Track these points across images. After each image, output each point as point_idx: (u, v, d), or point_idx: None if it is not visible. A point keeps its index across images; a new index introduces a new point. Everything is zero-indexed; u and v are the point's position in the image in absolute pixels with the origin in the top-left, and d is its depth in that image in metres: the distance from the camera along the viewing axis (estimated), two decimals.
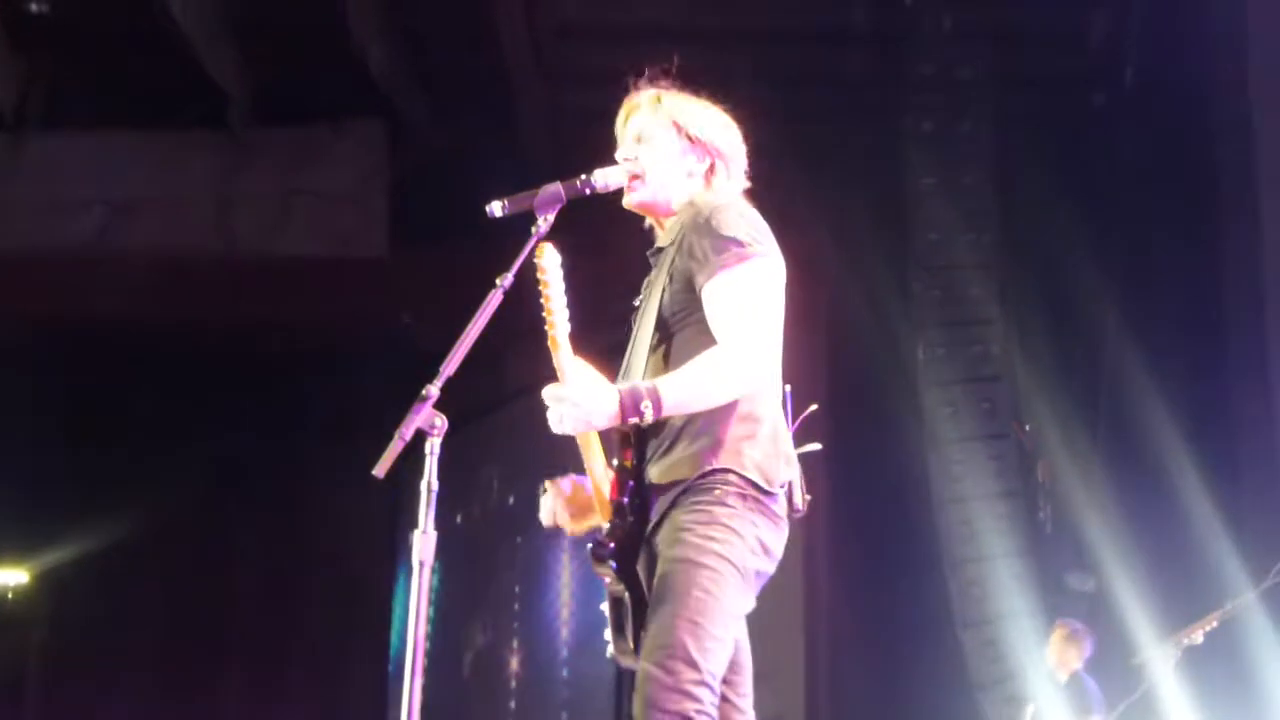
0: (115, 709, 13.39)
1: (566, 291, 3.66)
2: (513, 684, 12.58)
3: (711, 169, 4.16)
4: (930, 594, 10.32)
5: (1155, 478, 9.23)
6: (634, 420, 3.74)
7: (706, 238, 3.90)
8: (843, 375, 10.56)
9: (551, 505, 4.16)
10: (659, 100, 4.21)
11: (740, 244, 3.87)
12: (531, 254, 3.74)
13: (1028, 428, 10.51)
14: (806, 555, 10.55)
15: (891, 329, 10.46)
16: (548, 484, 4.18)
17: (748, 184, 4.22)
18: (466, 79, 11.55)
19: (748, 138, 4.25)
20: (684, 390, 3.77)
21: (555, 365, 3.76)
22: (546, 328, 3.69)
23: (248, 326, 12.72)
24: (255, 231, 12.41)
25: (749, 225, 3.94)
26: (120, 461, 13.25)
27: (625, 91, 4.28)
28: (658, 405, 3.72)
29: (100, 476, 13.18)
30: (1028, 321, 10.49)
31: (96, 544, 13.31)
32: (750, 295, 3.85)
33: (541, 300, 3.69)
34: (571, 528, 4.15)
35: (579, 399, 3.72)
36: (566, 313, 3.70)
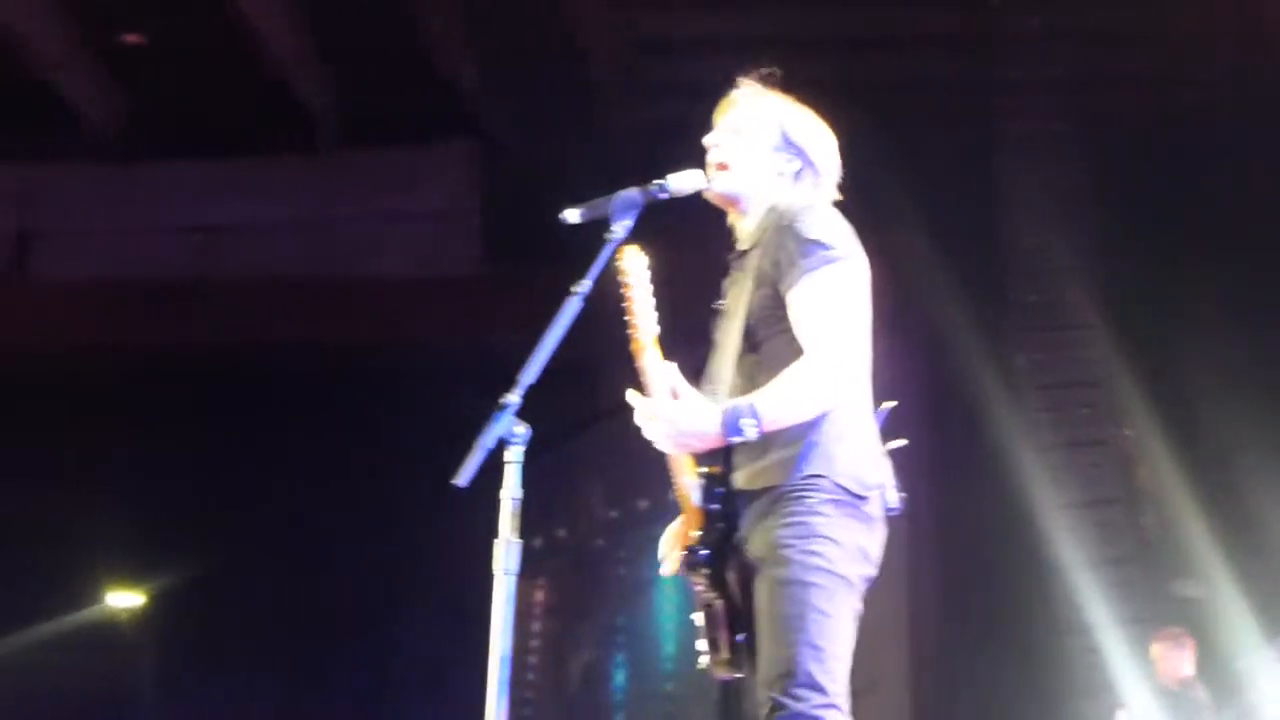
0: None
1: (653, 294, 3.65)
2: (617, 696, 12.58)
3: (801, 175, 4.11)
4: (1034, 601, 10.21)
5: (1258, 480, 9.11)
6: (736, 439, 3.70)
7: (791, 241, 3.85)
8: (941, 381, 10.49)
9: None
10: (767, 98, 4.17)
11: (825, 246, 3.82)
12: (610, 260, 3.73)
13: (1129, 432, 10.38)
14: (911, 561, 10.49)
15: (989, 334, 10.36)
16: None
17: (839, 197, 4.16)
18: (555, 95, 11.57)
19: (839, 145, 4.21)
20: (780, 406, 3.72)
21: (639, 369, 3.75)
22: (630, 330, 3.67)
23: (342, 348, 12.79)
24: (349, 253, 12.51)
25: (833, 228, 3.89)
26: (228, 484, 13.35)
27: (713, 104, 4.25)
28: (758, 423, 3.68)
29: (210, 499, 13.30)
30: (1127, 324, 10.37)
31: (204, 567, 13.43)
32: (836, 301, 3.80)
33: (624, 304, 3.67)
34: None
35: (676, 419, 3.71)
36: (653, 315, 3.68)
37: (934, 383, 10.54)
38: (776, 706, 3.64)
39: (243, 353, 12.62)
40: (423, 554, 13.15)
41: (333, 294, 12.41)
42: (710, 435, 3.70)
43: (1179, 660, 8.91)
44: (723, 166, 4.07)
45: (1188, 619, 9.47)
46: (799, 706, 3.62)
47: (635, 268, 3.66)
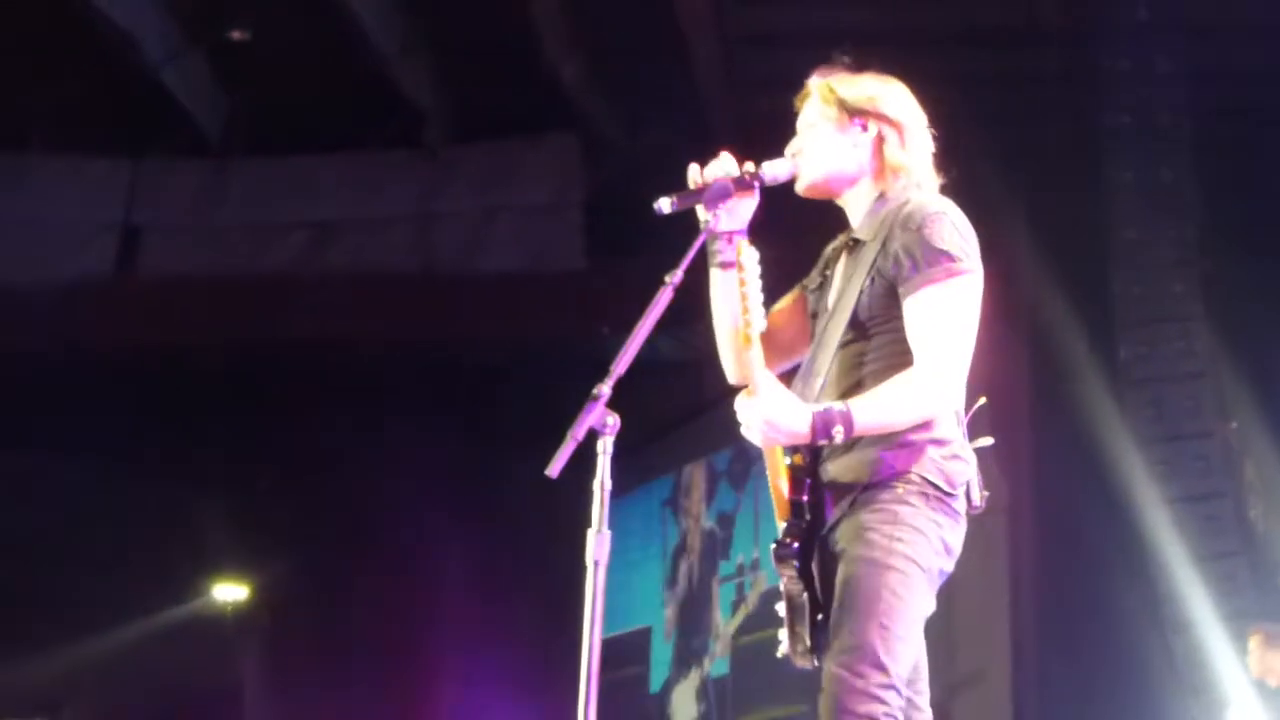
0: None
1: (762, 290, 3.66)
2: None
3: (881, 138, 4.07)
4: (1140, 596, 10.12)
5: None
6: (824, 442, 3.73)
7: (918, 245, 3.82)
8: (1044, 374, 10.42)
9: None
10: (822, 81, 4.15)
11: (952, 258, 3.80)
12: (702, 250, 3.74)
13: (1235, 425, 10.26)
14: (1012, 555, 10.43)
15: (1093, 327, 10.27)
16: None
17: (932, 149, 4.13)
18: (658, 89, 11.59)
19: (940, 139, 4.17)
20: (877, 415, 3.74)
21: (742, 362, 3.75)
22: (741, 325, 3.68)
23: (448, 342, 12.87)
24: (454, 248, 12.60)
25: (961, 238, 3.86)
26: (335, 478, 13.49)
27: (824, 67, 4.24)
28: (849, 429, 3.70)
29: (316, 493, 13.44)
30: (1232, 316, 10.24)
31: (309, 559, 13.57)
32: (953, 314, 3.79)
33: (739, 298, 3.68)
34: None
35: (771, 415, 3.72)
36: (762, 311, 3.69)
37: (1037, 376, 10.47)
38: (837, 679, 3.66)
39: (348, 348, 12.73)
40: (526, 547, 13.22)
41: (437, 289, 12.50)
42: (800, 435, 3.72)
43: (1273, 655, 8.83)
44: (801, 164, 4.07)
45: None
46: (860, 684, 3.64)
47: (749, 262, 3.67)
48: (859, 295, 3.91)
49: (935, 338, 3.77)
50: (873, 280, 3.89)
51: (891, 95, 4.09)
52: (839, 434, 3.68)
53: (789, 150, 4.11)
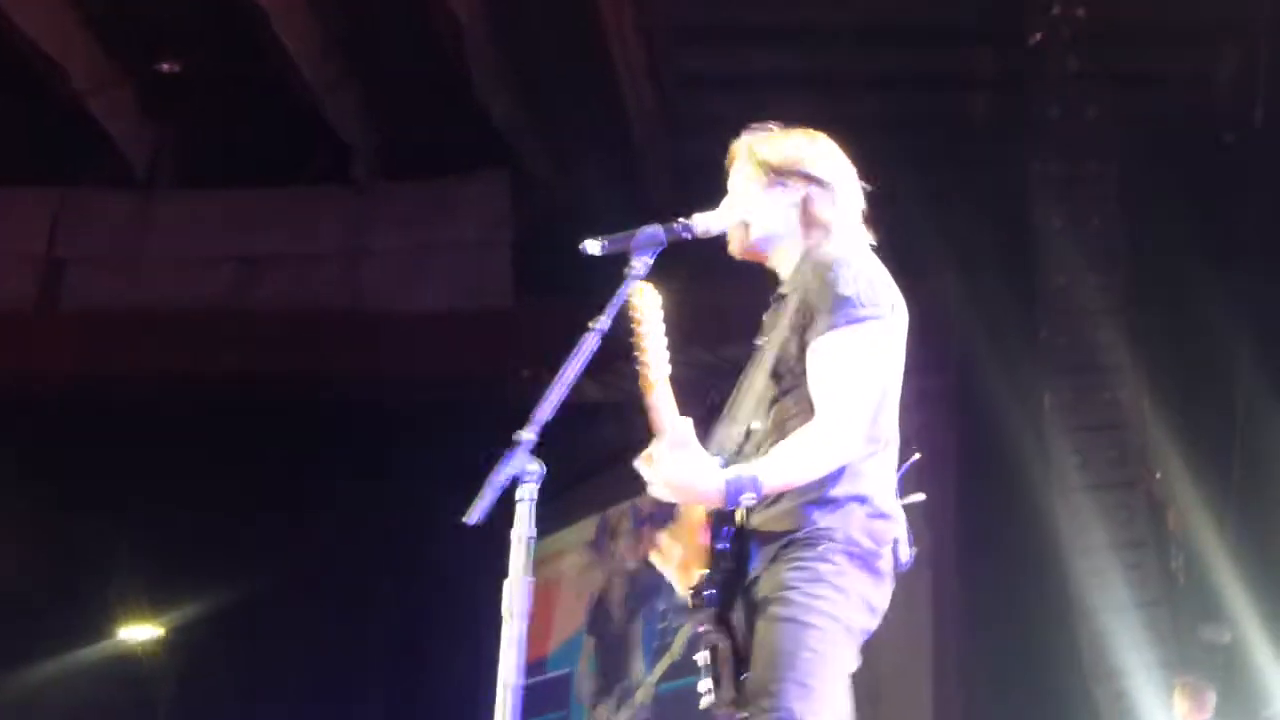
0: None
1: (666, 334, 3.62)
2: None
3: (807, 198, 4.06)
4: (1062, 645, 10.13)
5: None
6: (733, 509, 3.72)
7: (823, 293, 3.81)
8: (970, 421, 10.44)
9: (677, 556, 4.09)
10: (745, 144, 4.14)
11: (853, 304, 3.78)
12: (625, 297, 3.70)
13: (1158, 475, 10.30)
14: (935, 608, 10.42)
15: (1019, 374, 10.30)
16: (667, 538, 4.12)
17: (863, 209, 4.11)
18: (590, 129, 11.58)
19: (873, 181, 4.16)
20: (783, 475, 3.71)
21: (648, 407, 3.71)
22: (640, 368, 3.64)
23: (376, 380, 12.78)
24: (383, 285, 12.52)
25: (866, 283, 3.84)
26: (249, 516, 13.34)
27: (748, 131, 4.22)
28: (759, 494, 3.68)
29: (230, 531, 13.28)
30: (1158, 367, 10.30)
31: (226, 599, 13.40)
32: (853, 361, 3.76)
33: (635, 340, 3.64)
34: (680, 579, 4.08)
35: (678, 481, 3.71)
36: (665, 355, 3.64)
37: (962, 424, 10.49)
38: None
39: (272, 386, 12.61)
40: (447, 592, 13.13)
41: (366, 326, 12.42)
42: (709, 498, 3.70)
43: (1197, 708, 8.85)
44: (729, 230, 4.06)
45: (1215, 664, 9.39)
46: None
47: (647, 305, 3.63)
48: (780, 345, 3.89)
49: (834, 387, 3.74)
50: (790, 331, 3.88)
51: (816, 153, 4.08)
52: (749, 500, 3.67)
53: (722, 209, 4.09)
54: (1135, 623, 9.82)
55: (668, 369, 3.69)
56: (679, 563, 4.03)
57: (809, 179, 4.04)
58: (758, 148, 4.09)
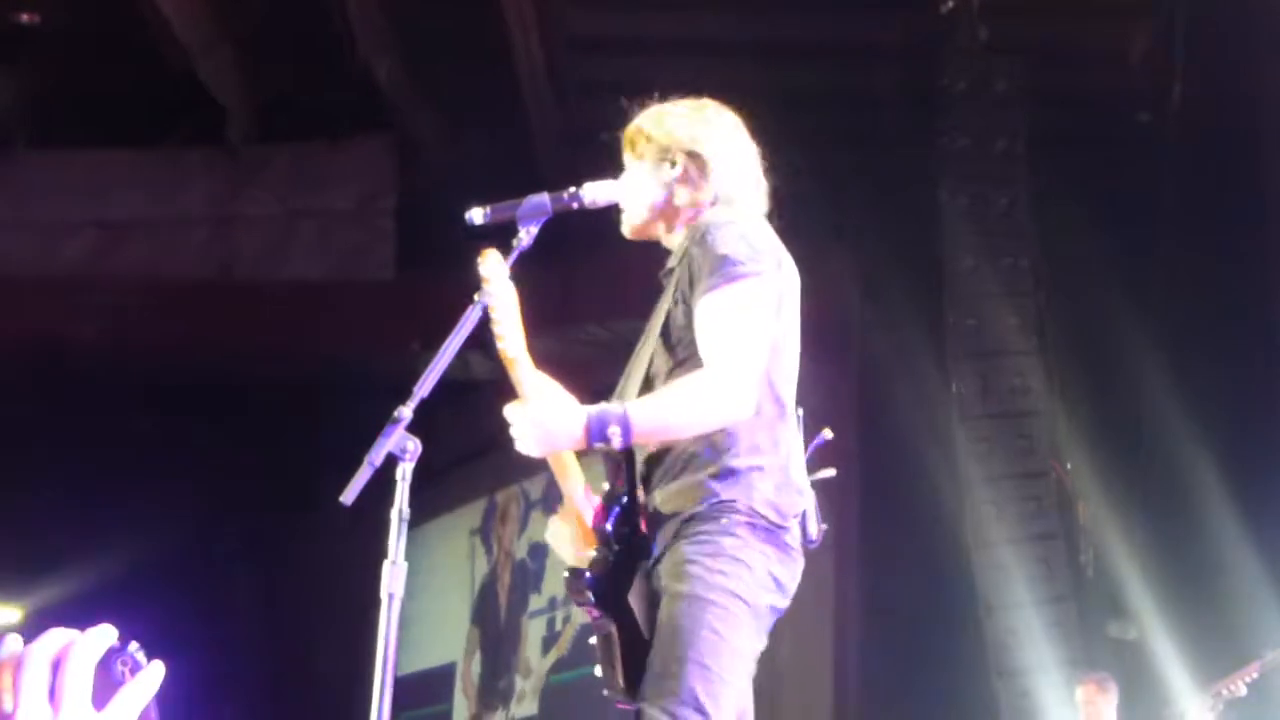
0: None
1: (531, 305, 3.63)
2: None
3: (695, 176, 4.10)
4: (967, 639, 10.22)
5: (1198, 523, 9.17)
6: (600, 445, 3.69)
7: (702, 255, 3.86)
8: (873, 407, 10.50)
9: (567, 536, 4.10)
10: (645, 117, 4.18)
11: (733, 262, 3.82)
12: (512, 268, 3.71)
13: (1068, 466, 10.40)
14: (838, 594, 10.49)
15: (925, 358, 10.37)
16: (556, 518, 4.13)
17: (764, 203, 4.16)
18: (477, 94, 11.53)
19: (772, 155, 4.21)
20: (659, 416, 3.72)
21: (513, 382, 3.72)
22: (497, 341, 3.65)
23: (246, 352, 12.67)
24: (255, 253, 12.41)
25: (747, 243, 3.88)
26: (113, 494, 13.22)
27: (640, 108, 4.25)
28: (627, 431, 3.66)
29: (92, 509, 13.16)
30: (1068, 352, 10.39)
31: (86, 581, 13.28)
32: (738, 317, 3.79)
33: (487, 310, 3.64)
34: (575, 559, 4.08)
35: (541, 419, 3.67)
36: (517, 323, 3.65)
37: (865, 409, 10.55)
38: None
39: (137, 357, 12.48)
40: (322, 574, 13.08)
41: (236, 296, 12.31)
42: (574, 435, 3.68)
43: (1103, 705, 8.96)
44: (621, 210, 4.12)
45: (1122, 661, 9.51)
46: None
47: (495, 273, 3.63)
48: (665, 318, 3.93)
49: (720, 341, 3.77)
50: (675, 301, 3.92)
51: (705, 128, 4.12)
52: (615, 435, 3.65)
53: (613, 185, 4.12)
54: (1042, 618, 9.91)
55: (521, 339, 3.70)
56: (572, 544, 4.04)
57: (694, 156, 4.09)
58: (645, 125, 4.13)
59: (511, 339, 3.68)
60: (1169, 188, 10.38)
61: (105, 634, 1.65)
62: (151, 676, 1.65)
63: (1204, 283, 10.09)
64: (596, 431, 3.65)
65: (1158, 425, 9.93)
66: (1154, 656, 9.20)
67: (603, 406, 3.71)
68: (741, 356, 3.76)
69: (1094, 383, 10.33)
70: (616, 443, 3.67)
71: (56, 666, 1.61)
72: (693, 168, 4.09)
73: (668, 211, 4.10)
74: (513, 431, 3.70)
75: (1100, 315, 10.14)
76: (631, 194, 4.09)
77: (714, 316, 3.79)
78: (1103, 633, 10.11)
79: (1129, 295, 9.98)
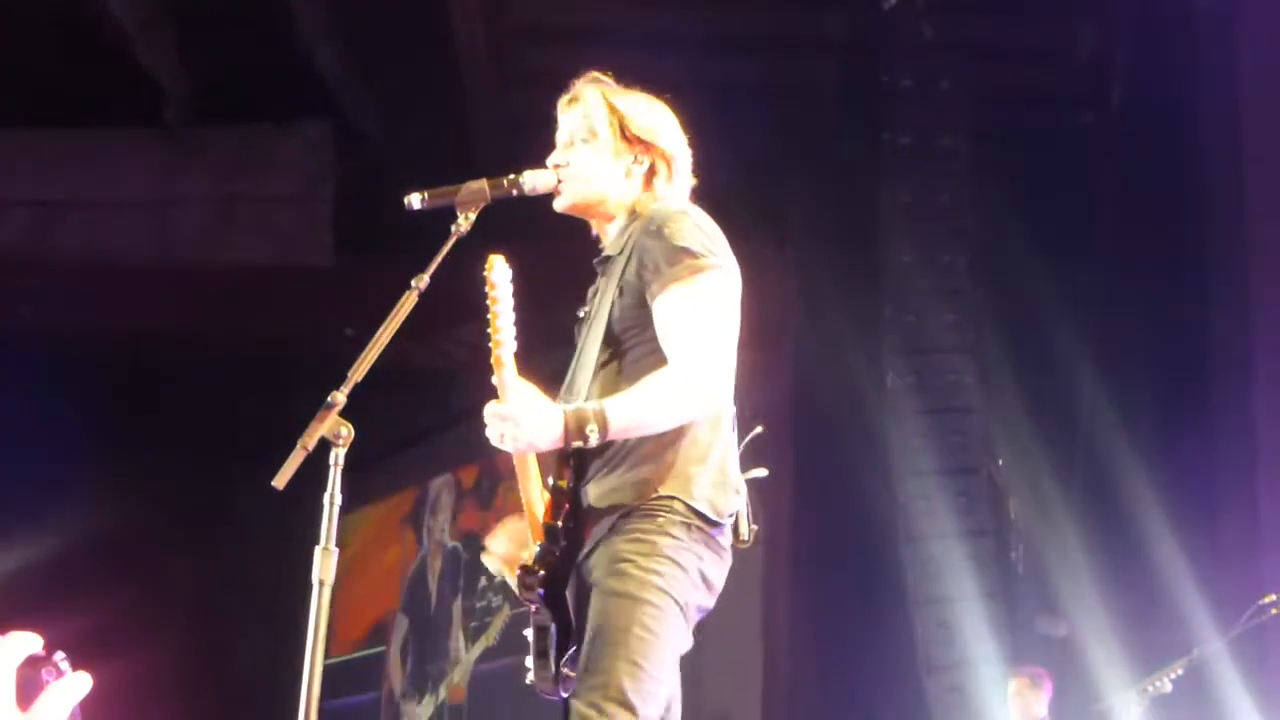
0: None
1: (516, 308, 3.64)
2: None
3: (653, 170, 4.12)
4: (897, 635, 10.27)
5: (1128, 521, 9.24)
6: (578, 444, 3.70)
7: (658, 248, 3.86)
8: (806, 402, 10.53)
9: (501, 556, 4.11)
10: (598, 96, 4.17)
11: (694, 254, 3.84)
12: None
13: (1001, 463, 10.46)
14: (766, 591, 10.51)
15: (860, 353, 10.40)
16: (487, 542, 4.15)
17: (693, 182, 4.18)
18: (418, 80, 11.51)
19: (698, 143, 4.23)
20: (634, 413, 3.73)
21: (497, 384, 3.73)
22: (491, 345, 3.66)
23: (182, 336, 12.62)
24: (192, 236, 12.34)
25: (704, 235, 3.90)
26: (44, 476, 13.12)
27: (589, 80, 4.25)
28: (604, 429, 3.69)
29: (22, 492, 13.06)
30: (1001, 352, 10.44)
31: (14, 564, 13.19)
32: (704, 311, 3.82)
33: (489, 316, 3.65)
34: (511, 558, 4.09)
35: (521, 418, 3.68)
36: (513, 331, 3.67)
37: (800, 402, 10.57)
38: (585, 719, 3.65)
39: (71, 340, 12.40)
40: (252, 560, 13.04)
41: (172, 279, 12.23)
42: (553, 436, 3.70)
43: (1033, 701, 9.03)
44: (562, 182, 4.08)
45: (1051, 658, 9.59)
46: None
47: (501, 279, 3.64)
48: (610, 309, 3.93)
49: (686, 335, 3.79)
50: (621, 291, 3.92)
51: (667, 125, 4.15)
52: (594, 434, 3.68)
53: (552, 161, 4.12)
54: (972, 614, 9.97)
55: (514, 346, 3.72)
56: (509, 540, 4.06)
57: (658, 152, 4.10)
58: (618, 105, 4.13)
59: (505, 345, 3.68)
60: (1108, 189, 10.45)
61: (29, 641, 1.65)
62: (77, 683, 1.65)
63: (1139, 284, 10.16)
64: (575, 430, 3.68)
65: (1089, 424, 10.00)
66: (1083, 653, 9.28)
67: (578, 406, 3.73)
68: (711, 350, 3.79)
69: (1027, 380, 10.39)
70: (594, 440, 3.69)
71: None
72: (659, 164, 4.10)
73: (615, 200, 4.10)
74: (491, 429, 3.72)
75: (1036, 314, 10.20)
76: (584, 171, 4.08)
77: (679, 310, 3.80)
78: (1032, 629, 10.18)
79: (1065, 295, 10.05)
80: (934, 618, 10.05)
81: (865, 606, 10.36)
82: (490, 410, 3.72)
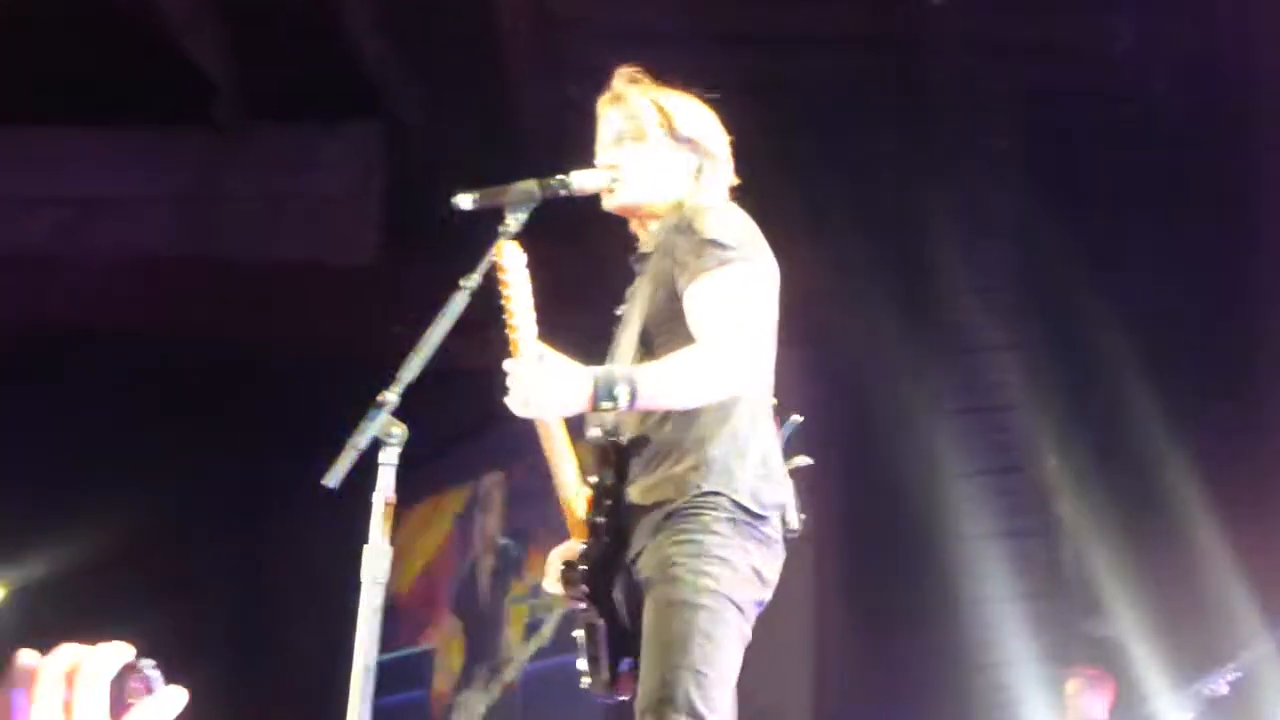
0: None
1: (533, 293, 3.64)
2: None
3: (702, 170, 4.12)
4: (944, 635, 10.24)
5: (1176, 521, 9.20)
6: (607, 406, 3.66)
7: (689, 241, 3.87)
8: (854, 399, 10.50)
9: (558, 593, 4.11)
10: (645, 95, 4.17)
11: (724, 246, 3.84)
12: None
13: (1051, 462, 10.41)
14: (818, 589, 10.50)
15: (907, 351, 10.37)
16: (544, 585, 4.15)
17: (735, 181, 4.18)
18: (466, 77, 11.52)
19: (740, 140, 4.23)
20: (663, 381, 3.71)
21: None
22: (508, 331, 3.66)
23: (225, 335, 12.65)
24: (239, 234, 12.38)
25: (733, 228, 3.90)
26: (88, 477, 13.17)
27: (630, 80, 4.25)
28: (634, 392, 3.64)
29: (68, 492, 13.12)
30: (1051, 348, 10.40)
31: (66, 561, 13.26)
32: (734, 299, 3.82)
33: (502, 302, 3.65)
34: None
35: (546, 377, 3.64)
36: (531, 315, 3.67)
37: (845, 400, 10.54)
38: None
39: (114, 338, 12.44)
40: (304, 558, 13.06)
41: (217, 277, 12.27)
42: (582, 395, 3.64)
43: (1092, 702, 8.95)
44: (615, 181, 4.07)
45: (1100, 659, 9.53)
46: None
47: (513, 264, 3.64)
48: (645, 306, 3.93)
49: (714, 320, 3.79)
50: (655, 287, 3.93)
51: (710, 124, 4.15)
52: (623, 395, 3.62)
53: (602, 161, 4.11)
54: (1018, 614, 9.94)
55: (534, 330, 3.71)
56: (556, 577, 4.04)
57: (702, 149, 4.11)
58: (665, 105, 4.12)
59: (522, 329, 3.68)
60: (1151, 183, 10.40)
61: (121, 651, 1.66)
62: (171, 700, 1.65)
63: (1184, 279, 10.11)
64: (604, 390, 3.62)
65: (1136, 422, 9.95)
66: (1131, 653, 9.23)
67: (609, 367, 3.70)
68: (739, 330, 3.78)
69: (1073, 379, 10.35)
70: (624, 403, 3.64)
71: (70, 682, 1.62)
72: (707, 166, 4.10)
73: (664, 200, 4.09)
74: (513, 393, 3.67)
75: (1080, 312, 10.16)
76: (639, 172, 4.08)
77: (708, 298, 3.81)
78: (1080, 630, 10.13)
79: (1109, 291, 10.00)
80: (982, 617, 10.02)
81: (913, 604, 10.34)
82: (511, 366, 3.69)
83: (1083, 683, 9.03)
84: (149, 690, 1.64)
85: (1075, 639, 10.02)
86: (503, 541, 13.07)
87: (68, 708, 1.59)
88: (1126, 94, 10.82)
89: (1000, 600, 9.97)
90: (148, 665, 1.65)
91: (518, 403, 3.69)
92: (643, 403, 3.69)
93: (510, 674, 12.62)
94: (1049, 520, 10.43)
